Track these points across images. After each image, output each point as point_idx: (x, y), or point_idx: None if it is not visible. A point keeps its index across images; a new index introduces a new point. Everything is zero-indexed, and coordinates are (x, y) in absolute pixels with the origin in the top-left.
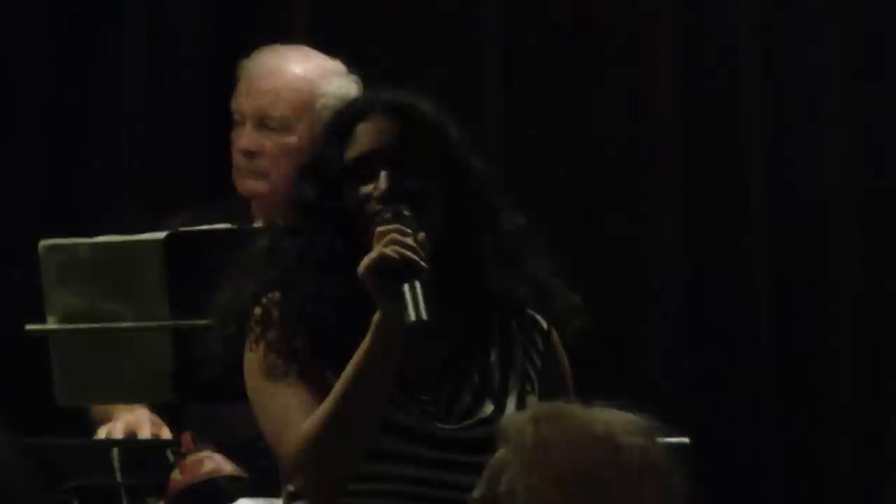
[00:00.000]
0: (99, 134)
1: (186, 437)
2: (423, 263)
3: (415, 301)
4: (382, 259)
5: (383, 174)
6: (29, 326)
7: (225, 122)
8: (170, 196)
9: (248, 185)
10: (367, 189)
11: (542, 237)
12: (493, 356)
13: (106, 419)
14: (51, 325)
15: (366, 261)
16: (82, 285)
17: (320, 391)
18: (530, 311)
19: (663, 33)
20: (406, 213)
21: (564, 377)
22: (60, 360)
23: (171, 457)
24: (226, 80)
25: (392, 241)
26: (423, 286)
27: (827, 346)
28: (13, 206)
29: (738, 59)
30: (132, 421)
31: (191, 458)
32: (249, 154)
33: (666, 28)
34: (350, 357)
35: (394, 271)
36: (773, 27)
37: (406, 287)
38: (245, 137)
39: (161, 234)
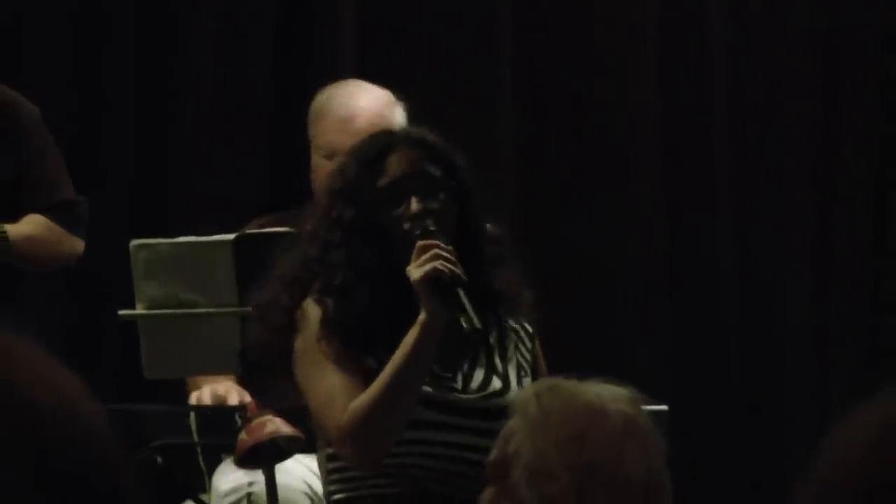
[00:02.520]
0: (181, 146)
1: (251, 403)
2: (464, 276)
3: (467, 311)
4: (435, 272)
5: (413, 198)
6: (121, 312)
7: (286, 137)
8: (239, 202)
9: None
10: (399, 210)
11: (512, 240)
12: (493, 344)
13: (195, 388)
14: (139, 311)
15: (419, 272)
16: (165, 278)
17: (358, 375)
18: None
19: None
20: (432, 228)
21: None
22: (147, 341)
23: (238, 420)
24: (288, 102)
25: (437, 255)
26: (466, 295)
27: (787, 322)
28: (107, 209)
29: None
30: (221, 390)
31: (255, 422)
32: None
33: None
34: (384, 347)
35: (443, 283)
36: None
37: (464, 299)
38: (333, 165)
39: (231, 236)
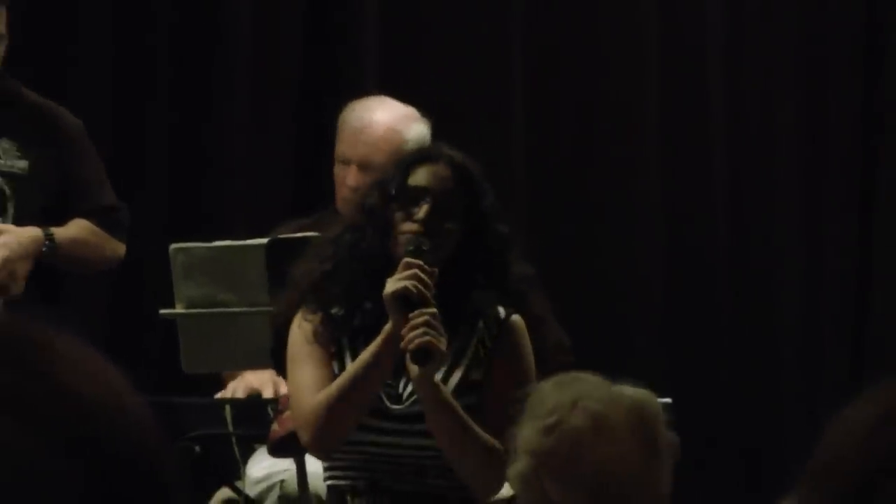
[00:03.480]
0: (216, 155)
1: (285, 396)
2: (432, 300)
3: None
4: (405, 291)
5: (425, 206)
6: (162, 311)
7: (315, 152)
8: (269, 207)
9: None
10: (408, 212)
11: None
12: (453, 349)
13: (232, 380)
14: (178, 310)
15: (390, 287)
16: (202, 279)
17: (329, 374)
18: (498, 313)
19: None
20: (425, 248)
21: (517, 360)
22: (185, 338)
23: (271, 412)
24: (315, 115)
25: (414, 276)
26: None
27: (773, 316)
28: (147, 215)
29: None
30: (256, 382)
31: (286, 413)
32: (354, 190)
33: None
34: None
35: (409, 301)
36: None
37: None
38: (351, 177)
39: (264, 240)
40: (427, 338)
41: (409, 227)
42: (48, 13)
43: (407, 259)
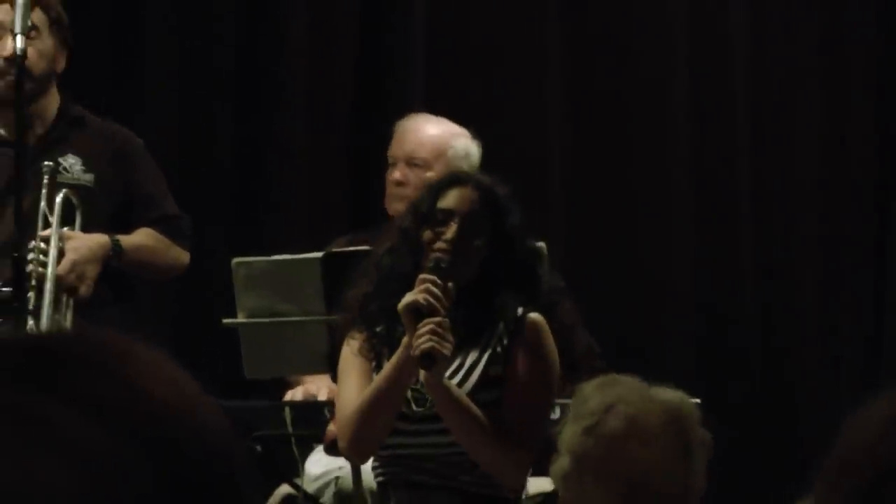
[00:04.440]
0: (276, 173)
1: None
2: (442, 310)
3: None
4: (415, 304)
5: (453, 226)
6: (225, 321)
7: (367, 172)
8: (325, 224)
9: (396, 207)
10: (437, 232)
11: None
12: (474, 351)
13: (295, 384)
14: (240, 319)
15: (403, 300)
16: (262, 290)
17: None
18: (517, 313)
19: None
20: (443, 265)
21: (534, 355)
22: (247, 345)
23: (327, 413)
24: (367, 138)
25: (426, 290)
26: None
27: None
28: (212, 232)
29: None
30: (313, 388)
31: None
32: (400, 184)
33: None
34: None
35: (420, 313)
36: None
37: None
38: (398, 171)
39: (319, 254)
40: (430, 344)
41: (438, 246)
42: (117, 39)
43: (422, 275)
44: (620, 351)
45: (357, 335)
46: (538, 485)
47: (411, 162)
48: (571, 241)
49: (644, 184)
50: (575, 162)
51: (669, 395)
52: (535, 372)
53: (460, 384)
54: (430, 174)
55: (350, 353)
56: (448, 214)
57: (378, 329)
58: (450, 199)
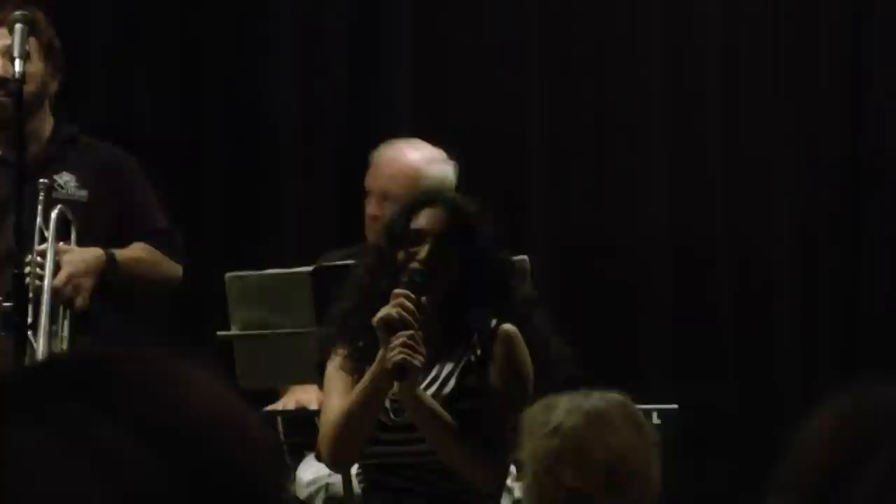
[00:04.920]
0: (268, 191)
1: None
2: (415, 324)
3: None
4: (388, 317)
5: (426, 246)
6: (219, 333)
7: (358, 188)
8: (316, 240)
9: (373, 238)
10: (410, 252)
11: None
12: (450, 362)
13: (285, 393)
14: (234, 331)
15: (378, 315)
16: (255, 304)
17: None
18: (490, 324)
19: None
20: (417, 279)
21: (508, 365)
22: (241, 356)
23: (317, 422)
24: (355, 160)
25: (399, 304)
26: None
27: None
28: (204, 248)
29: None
30: (304, 398)
31: None
32: (374, 218)
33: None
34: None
35: (393, 326)
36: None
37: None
38: (371, 206)
39: (308, 269)
40: (401, 356)
41: (412, 266)
42: (119, 70)
43: (396, 290)
44: (597, 362)
45: (340, 350)
46: None
47: (385, 196)
48: (550, 250)
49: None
50: (552, 172)
51: (610, 395)
52: (508, 381)
53: (436, 394)
54: None
55: (333, 368)
56: (420, 235)
57: (359, 344)
58: (421, 220)
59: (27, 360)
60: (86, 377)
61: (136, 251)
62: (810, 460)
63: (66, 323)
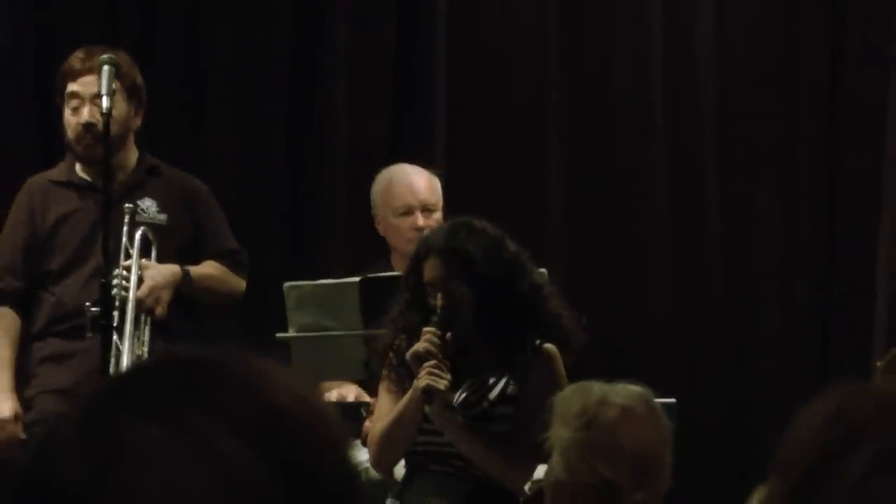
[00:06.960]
0: (320, 211)
1: (373, 400)
2: (440, 355)
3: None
4: (416, 351)
5: (439, 296)
6: (278, 335)
7: None
8: (363, 253)
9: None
10: (432, 301)
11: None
12: (501, 375)
13: (326, 391)
14: (291, 334)
15: (411, 350)
16: (310, 309)
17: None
18: (533, 343)
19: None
20: (441, 319)
21: (547, 380)
22: (297, 356)
23: (363, 413)
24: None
25: (427, 339)
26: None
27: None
28: (263, 259)
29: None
30: (344, 392)
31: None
32: (420, 229)
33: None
34: None
35: (422, 358)
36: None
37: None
38: (421, 220)
39: (357, 279)
40: (426, 381)
41: (438, 304)
42: (184, 102)
43: (424, 329)
44: (609, 355)
45: (386, 374)
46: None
47: (426, 208)
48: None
49: (624, 212)
50: (568, 193)
51: (634, 388)
52: (545, 393)
53: (482, 397)
54: (438, 215)
55: (383, 388)
56: (432, 287)
57: (400, 369)
58: (427, 273)
59: (112, 359)
60: (192, 376)
61: (207, 268)
62: (800, 449)
63: (147, 329)
